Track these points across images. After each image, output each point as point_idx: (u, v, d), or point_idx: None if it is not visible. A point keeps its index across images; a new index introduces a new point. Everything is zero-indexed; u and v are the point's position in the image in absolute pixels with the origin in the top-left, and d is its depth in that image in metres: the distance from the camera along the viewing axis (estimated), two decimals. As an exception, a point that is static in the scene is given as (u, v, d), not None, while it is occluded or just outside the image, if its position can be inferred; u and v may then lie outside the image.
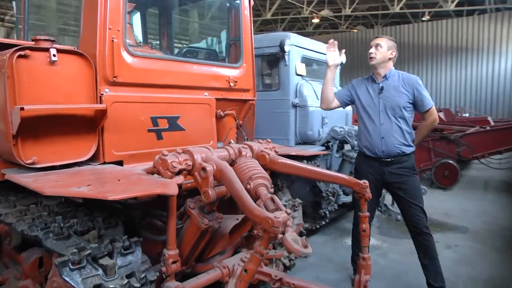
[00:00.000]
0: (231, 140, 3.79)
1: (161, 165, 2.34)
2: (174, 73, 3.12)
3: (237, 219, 2.93)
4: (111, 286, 2.09)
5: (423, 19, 23.96)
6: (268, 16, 22.48)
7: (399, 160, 3.57)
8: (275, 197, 2.27)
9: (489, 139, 8.51)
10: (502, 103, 21.59)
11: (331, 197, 5.43)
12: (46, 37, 2.36)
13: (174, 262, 2.44)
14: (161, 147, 2.91)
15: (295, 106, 5.51)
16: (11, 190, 2.75)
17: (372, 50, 3.63)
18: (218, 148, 3.08)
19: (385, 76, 3.63)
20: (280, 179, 3.87)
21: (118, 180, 2.20)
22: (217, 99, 3.49)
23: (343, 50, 3.77)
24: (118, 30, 2.68)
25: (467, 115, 18.25)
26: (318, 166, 4.95)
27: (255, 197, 2.35)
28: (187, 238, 2.69)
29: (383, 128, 3.57)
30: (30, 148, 2.34)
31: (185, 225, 2.71)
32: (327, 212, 5.45)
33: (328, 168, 5.62)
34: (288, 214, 2.06)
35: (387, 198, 5.21)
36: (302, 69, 5.70)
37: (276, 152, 3.06)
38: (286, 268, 3.55)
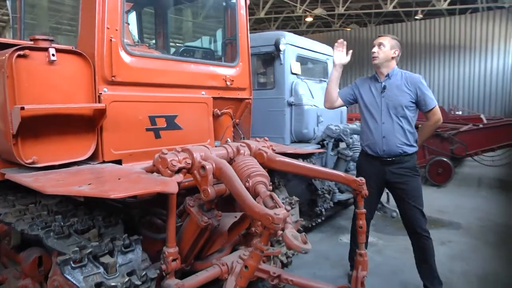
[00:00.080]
0: (228, 139, 3.82)
1: (161, 163, 2.36)
2: (171, 72, 3.14)
3: (236, 217, 2.96)
4: (112, 284, 2.11)
5: (416, 17, 24.07)
6: (262, 14, 22.49)
7: (400, 160, 3.55)
8: (274, 195, 2.30)
9: (482, 137, 8.58)
10: (495, 101, 21.78)
11: (326, 195, 5.47)
12: (45, 37, 2.37)
13: (174, 260, 2.46)
14: (159, 146, 2.93)
15: (290, 104, 5.54)
16: (10, 189, 2.76)
17: (375, 49, 3.60)
18: (215, 146, 3.10)
19: (387, 75, 3.61)
20: (277, 177, 3.90)
21: (119, 178, 2.21)
22: (214, 98, 3.51)
23: (351, 51, 3.73)
24: (116, 30, 2.69)
25: (460, 113, 18.36)
26: (313, 164, 4.98)
27: (254, 194, 2.37)
28: (186, 236, 2.71)
29: (384, 127, 3.56)
30: (30, 147, 2.35)
31: (185, 223, 2.73)
32: (323, 210, 5.49)
33: (324, 166, 5.65)
34: (288, 211, 2.08)
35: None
36: (297, 68, 5.73)
37: (273, 150, 3.08)
38: (283, 266, 3.58)
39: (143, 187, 2.10)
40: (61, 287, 2.14)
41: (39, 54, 2.33)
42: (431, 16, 23.57)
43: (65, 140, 2.51)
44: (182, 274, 2.80)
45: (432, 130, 3.76)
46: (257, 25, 26.17)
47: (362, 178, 2.88)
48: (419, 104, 3.54)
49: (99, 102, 2.62)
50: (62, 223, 2.28)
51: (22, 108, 2.14)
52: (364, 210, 2.97)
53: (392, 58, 3.60)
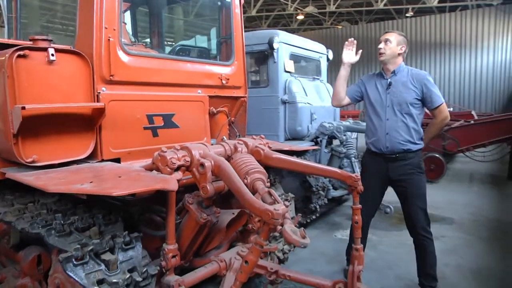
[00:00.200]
0: (224, 137, 3.85)
1: (160, 161, 2.38)
2: (168, 71, 3.17)
3: (233, 214, 2.99)
4: (114, 280, 2.13)
5: (406, 15, 24.25)
6: (253, 13, 22.54)
7: (404, 157, 3.51)
8: (272, 191, 2.34)
9: (473, 133, 8.67)
10: (485, 97, 22.05)
11: (321, 192, 5.52)
12: (44, 37, 2.39)
13: (173, 257, 2.48)
14: (156, 144, 2.96)
15: (284, 102, 5.58)
16: (7, 189, 2.77)
17: (382, 45, 3.56)
18: (211, 144, 3.13)
19: (393, 72, 3.57)
20: (272, 174, 3.93)
21: (119, 176, 2.24)
22: (210, 97, 3.54)
23: (360, 50, 3.69)
24: (114, 30, 2.71)
25: (451, 109, 18.48)
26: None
27: (252, 191, 2.40)
28: (185, 233, 2.74)
29: (388, 124, 3.52)
30: (30, 146, 2.36)
31: (184, 220, 2.76)
32: (318, 207, 5.54)
33: (318, 163, 5.70)
34: (287, 206, 2.12)
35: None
36: (290, 66, 5.78)
37: (270, 147, 3.12)
38: (280, 262, 3.62)
39: (144, 185, 2.13)
40: (62, 284, 2.17)
41: (38, 54, 2.35)
42: (421, 13, 23.77)
43: (64, 139, 2.53)
44: (181, 270, 2.83)
45: (439, 128, 3.66)
46: (248, 23, 26.17)
47: (358, 174, 2.93)
48: (425, 101, 3.48)
49: (97, 102, 2.64)
50: (62, 221, 2.30)
51: (23, 108, 2.16)
52: (359, 206, 3.00)
53: (399, 54, 3.57)
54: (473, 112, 12.60)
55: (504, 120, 8.80)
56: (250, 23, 26.41)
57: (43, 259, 2.56)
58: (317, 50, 6.64)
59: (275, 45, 5.41)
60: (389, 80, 3.58)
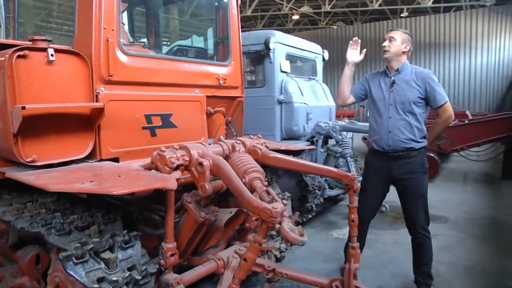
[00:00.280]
0: (221, 137, 3.87)
1: (160, 160, 2.41)
2: (166, 71, 3.19)
3: (231, 212, 3.02)
4: (113, 278, 2.16)
5: (401, 15, 24.34)
6: (248, 12, 22.57)
7: (407, 155, 3.48)
8: (270, 190, 2.37)
9: (467, 132, 8.72)
10: (479, 97, 22.19)
11: (317, 191, 5.56)
12: (43, 37, 2.40)
13: (172, 255, 2.51)
14: (154, 144, 2.98)
15: (280, 102, 5.62)
16: (5, 188, 2.77)
17: (386, 43, 3.53)
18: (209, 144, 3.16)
19: (397, 70, 3.54)
20: (268, 173, 3.96)
21: (119, 176, 2.26)
22: (207, 97, 3.56)
23: (364, 50, 3.68)
24: (113, 30, 2.73)
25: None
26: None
27: (251, 190, 2.44)
28: (184, 232, 2.77)
29: (390, 122, 3.49)
30: (29, 146, 2.38)
31: (182, 219, 2.79)
32: (314, 206, 5.58)
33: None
34: (285, 205, 2.15)
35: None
36: (286, 66, 5.81)
37: (267, 147, 3.15)
38: (277, 260, 3.64)
39: (144, 184, 2.15)
40: (62, 282, 2.19)
41: (38, 54, 2.36)
42: (416, 14, 23.87)
43: (64, 138, 2.54)
44: (179, 269, 2.85)
45: (443, 127, 3.59)
46: (243, 23, 26.18)
47: (354, 173, 2.96)
48: (428, 100, 3.45)
49: (96, 102, 2.65)
50: (62, 220, 2.32)
51: (23, 108, 2.17)
52: (355, 204, 3.03)
53: (403, 52, 3.54)
54: (467, 112, 12.66)
55: (498, 120, 8.87)
56: (245, 23, 26.44)
57: (41, 258, 2.58)
58: (312, 50, 6.67)
59: (271, 45, 5.44)
60: (392, 78, 3.55)
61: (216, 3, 4.09)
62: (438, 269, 4.11)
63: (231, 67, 3.84)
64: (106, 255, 2.22)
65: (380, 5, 21.54)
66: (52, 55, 2.38)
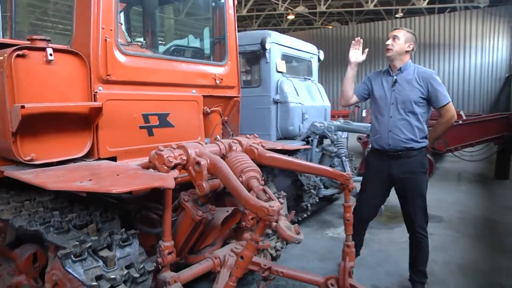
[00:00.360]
0: (217, 136, 3.90)
1: (158, 160, 2.43)
2: (164, 71, 3.21)
3: (227, 211, 3.04)
4: (112, 276, 2.18)
5: (396, 16, 24.47)
6: (244, 12, 22.59)
7: (407, 155, 3.47)
8: (267, 188, 2.40)
9: (461, 133, 8.74)
10: (473, 98, 22.35)
11: (312, 190, 5.59)
12: (42, 37, 2.41)
13: (169, 253, 2.53)
14: (152, 143, 3.01)
15: (276, 102, 5.64)
16: (3, 187, 2.78)
17: (389, 41, 3.51)
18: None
19: (400, 69, 3.51)
20: (264, 173, 3.98)
21: (117, 175, 2.28)
22: (204, 96, 3.58)
23: (367, 50, 3.66)
24: (111, 30, 2.75)
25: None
26: (300, 160, 5.10)
27: (247, 189, 2.46)
28: (181, 230, 2.79)
29: (391, 121, 3.48)
30: (28, 145, 2.39)
31: (180, 218, 2.81)
32: (309, 205, 5.61)
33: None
34: (281, 203, 2.18)
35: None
36: (282, 66, 5.84)
37: (263, 146, 3.18)
38: (273, 259, 3.66)
39: (142, 183, 2.17)
40: (60, 280, 2.20)
41: (37, 54, 2.38)
42: (411, 14, 24.00)
43: (62, 137, 2.56)
44: (176, 267, 2.87)
45: (445, 127, 3.57)
46: (239, 23, 26.04)
47: (349, 173, 3.00)
48: (430, 100, 3.43)
49: (94, 101, 2.67)
50: (60, 219, 2.33)
51: (23, 107, 2.19)
52: (351, 203, 3.06)
53: (406, 51, 3.52)
54: (461, 113, 12.73)
55: (491, 120, 8.91)
56: (241, 23, 26.43)
57: (39, 257, 2.60)
58: (308, 50, 6.71)
59: (267, 46, 5.47)
60: (395, 77, 3.54)
61: (213, 3, 4.12)
62: (433, 268, 4.14)
63: (228, 67, 3.86)
64: (104, 253, 2.25)
65: (375, 5, 21.63)
66: (50, 54, 2.40)
